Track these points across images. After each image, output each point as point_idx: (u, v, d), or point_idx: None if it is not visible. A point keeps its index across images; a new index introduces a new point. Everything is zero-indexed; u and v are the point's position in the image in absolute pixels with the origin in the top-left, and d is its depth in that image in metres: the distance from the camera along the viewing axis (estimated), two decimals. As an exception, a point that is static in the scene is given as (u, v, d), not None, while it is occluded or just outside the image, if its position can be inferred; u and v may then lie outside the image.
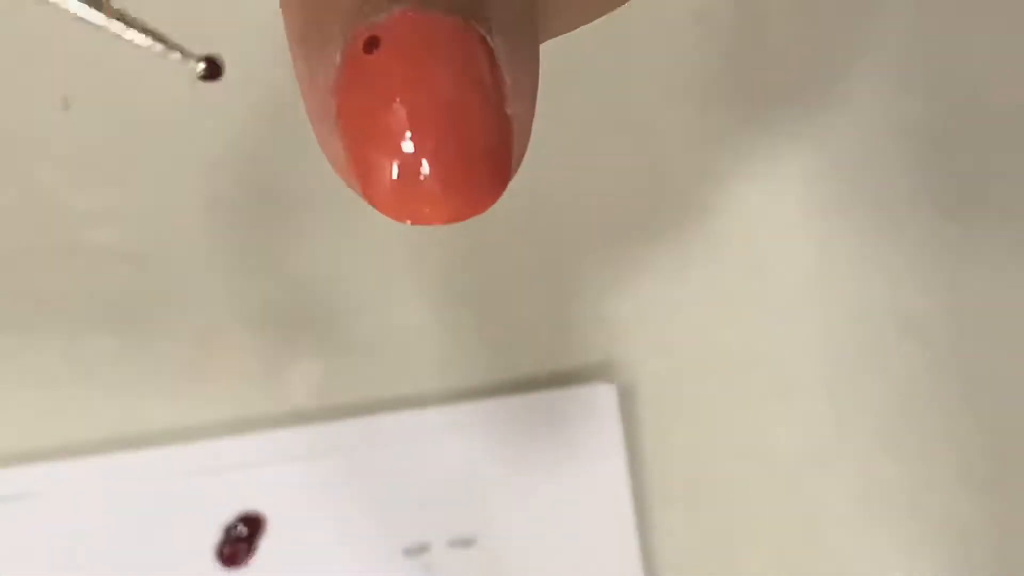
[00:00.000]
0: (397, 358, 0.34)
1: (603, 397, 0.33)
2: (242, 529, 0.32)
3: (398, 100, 0.14)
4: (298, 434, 0.33)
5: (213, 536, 0.32)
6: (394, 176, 0.14)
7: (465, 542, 0.32)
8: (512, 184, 0.34)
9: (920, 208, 0.34)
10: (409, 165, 0.14)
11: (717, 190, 0.35)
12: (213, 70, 0.14)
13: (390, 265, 0.34)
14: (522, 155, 0.15)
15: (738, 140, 0.35)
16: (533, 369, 0.34)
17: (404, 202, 0.15)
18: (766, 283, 0.34)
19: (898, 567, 0.33)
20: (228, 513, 0.32)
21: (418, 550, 0.32)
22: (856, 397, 0.33)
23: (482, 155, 0.14)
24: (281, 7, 0.15)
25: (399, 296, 0.34)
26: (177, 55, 0.14)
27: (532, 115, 0.16)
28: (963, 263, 0.34)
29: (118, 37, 0.14)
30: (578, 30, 0.17)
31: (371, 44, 0.14)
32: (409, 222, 0.15)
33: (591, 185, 0.35)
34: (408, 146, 0.14)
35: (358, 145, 0.15)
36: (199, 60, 0.14)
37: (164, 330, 0.34)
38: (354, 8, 0.15)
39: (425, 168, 0.14)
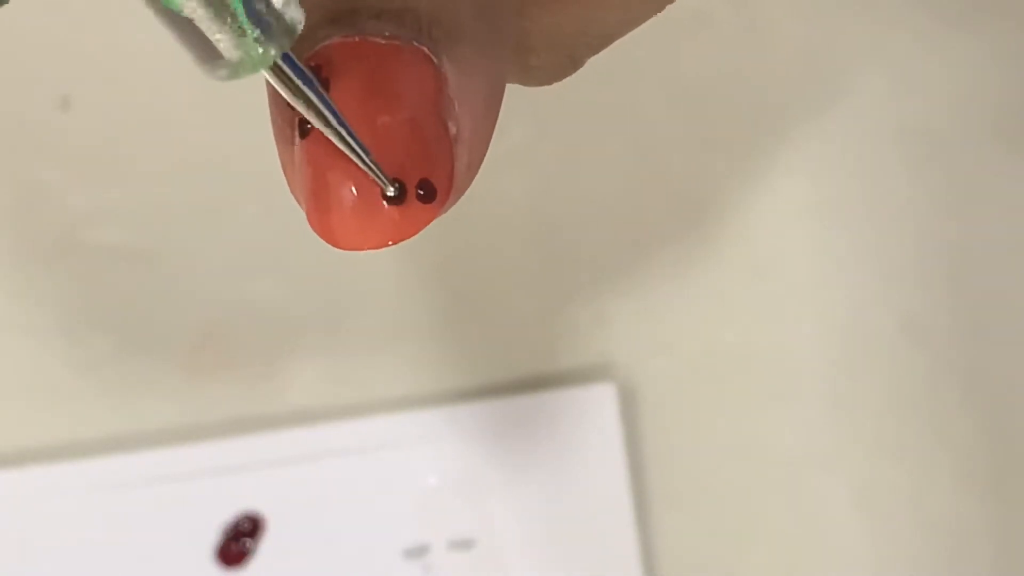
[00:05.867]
0: (396, 358, 0.34)
1: (603, 397, 0.33)
2: (242, 530, 0.32)
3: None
4: (297, 435, 0.33)
5: (213, 537, 0.32)
6: (329, 202, 0.14)
7: (465, 544, 0.32)
8: (512, 184, 0.34)
9: (920, 208, 0.34)
10: (340, 188, 0.14)
11: (717, 190, 0.35)
12: (401, 195, 0.15)
13: (390, 265, 0.34)
14: (471, 172, 0.15)
15: (738, 140, 0.35)
16: (533, 369, 0.34)
17: (328, 224, 0.15)
18: (766, 283, 0.34)
19: (898, 567, 0.33)
20: (228, 514, 0.32)
21: (418, 551, 0.32)
22: (856, 397, 0.33)
23: (419, 173, 0.14)
24: None
25: (399, 297, 0.34)
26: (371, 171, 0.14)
27: (484, 135, 0.15)
28: (963, 263, 0.34)
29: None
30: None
31: (314, 71, 0.14)
32: (342, 247, 0.15)
33: (591, 185, 0.35)
34: (343, 172, 0.14)
35: (304, 172, 0.15)
36: (392, 183, 0.14)
37: (164, 330, 0.34)
38: (302, 35, 0.15)
39: (360, 191, 0.14)
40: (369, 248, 0.15)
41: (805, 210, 0.34)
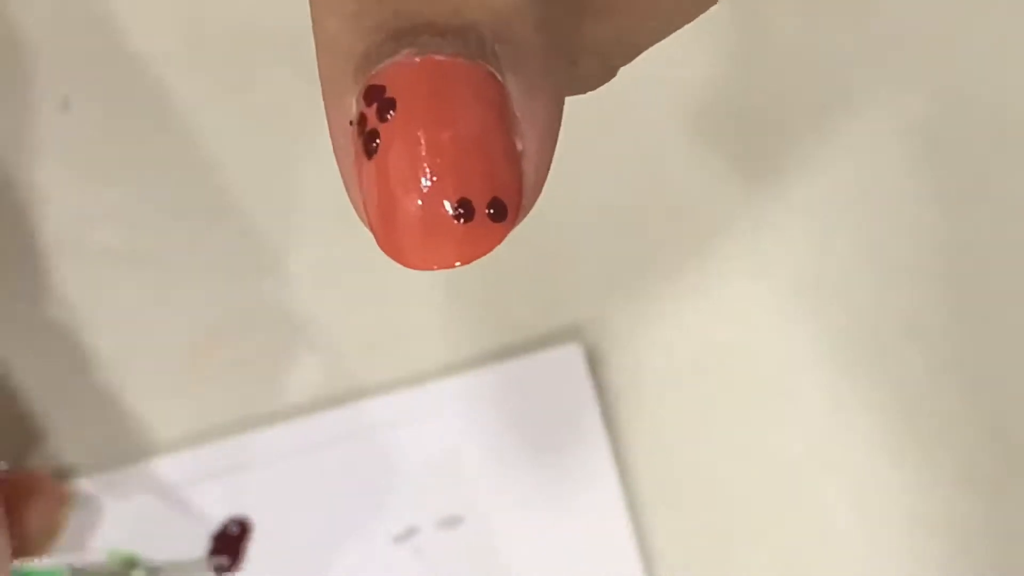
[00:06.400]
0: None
1: (572, 359, 0.33)
2: (230, 533, 0.32)
3: (404, 145, 0.14)
4: (274, 432, 0.33)
5: (202, 545, 0.32)
6: (397, 221, 0.15)
7: (453, 521, 0.32)
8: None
9: (920, 208, 0.34)
10: (409, 208, 0.14)
11: (717, 190, 0.35)
12: (469, 213, 0.15)
13: (389, 266, 0.34)
14: (537, 188, 0.15)
15: (738, 140, 0.35)
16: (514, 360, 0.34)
17: (397, 243, 0.15)
18: (766, 283, 0.34)
19: (898, 568, 0.33)
20: (215, 519, 0.32)
21: (407, 534, 0.32)
22: (856, 397, 0.33)
23: (488, 191, 0.14)
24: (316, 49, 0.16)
25: (398, 297, 0.34)
26: None
27: (548, 151, 0.15)
28: (963, 263, 0.34)
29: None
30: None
31: (379, 91, 0.14)
32: (412, 266, 0.15)
33: (591, 186, 0.35)
34: (412, 191, 0.14)
35: (372, 192, 0.15)
36: None
37: (164, 330, 0.34)
38: (364, 55, 0.15)
39: (430, 210, 0.14)
40: (438, 268, 0.15)
41: (805, 210, 0.34)
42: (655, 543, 0.33)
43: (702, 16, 0.36)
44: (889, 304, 0.34)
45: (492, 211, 0.14)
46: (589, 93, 0.18)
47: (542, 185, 0.15)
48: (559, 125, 0.16)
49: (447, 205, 0.14)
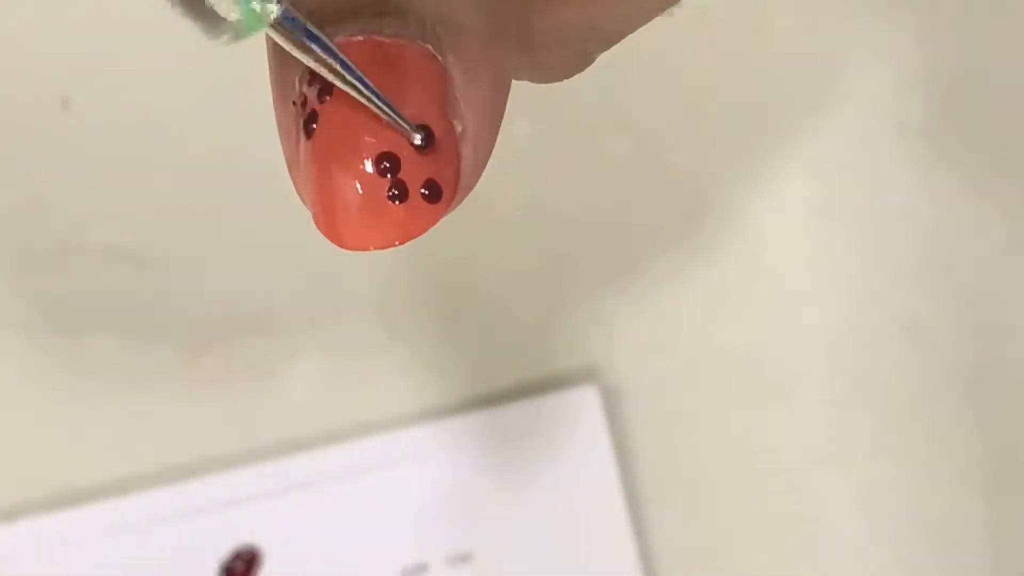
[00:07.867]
0: (392, 367, 0.34)
1: (587, 400, 0.33)
2: (239, 564, 0.32)
3: (340, 126, 0.14)
4: (287, 464, 0.33)
5: (211, 573, 0.32)
6: (335, 202, 0.14)
7: (463, 558, 0.32)
8: (512, 185, 0.34)
9: (920, 208, 0.34)
10: (345, 188, 0.14)
11: (717, 190, 0.35)
12: (430, 139, 0.15)
13: (387, 265, 0.34)
14: (476, 170, 0.15)
15: (738, 140, 0.35)
16: (530, 372, 0.34)
17: (334, 224, 0.15)
18: (766, 283, 0.34)
19: (898, 568, 0.33)
20: (224, 549, 0.32)
21: (416, 570, 0.32)
22: (856, 397, 0.33)
23: (423, 173, 0.14)
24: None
25: (396, 299, 0.34)
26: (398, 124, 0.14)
27: (489, 134, 0.15)
28: (963, 263, 0.34)
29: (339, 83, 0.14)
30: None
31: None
32: (349, 247, 0.15)
33: (591, 185, 0.35)
34: (347, 172, 0.14)
35: (310, 173, 0.15)
36: (416, 131, 0.14)
37: (164, 330, 0.34)
38: None
39: (365, 191, 0.14)
40: (374, 248, 0.15)
41: (805, 210, 0.34)
42: (656, 544, 0.33)
43: (702, 16, 0.36)
44: (889, 304, 0.34)
45: (426, 192, 0.14)
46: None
47: (482, 167, 0.15)
48: (502, 108, 0.16)
49: (376, 185, 0.14)
